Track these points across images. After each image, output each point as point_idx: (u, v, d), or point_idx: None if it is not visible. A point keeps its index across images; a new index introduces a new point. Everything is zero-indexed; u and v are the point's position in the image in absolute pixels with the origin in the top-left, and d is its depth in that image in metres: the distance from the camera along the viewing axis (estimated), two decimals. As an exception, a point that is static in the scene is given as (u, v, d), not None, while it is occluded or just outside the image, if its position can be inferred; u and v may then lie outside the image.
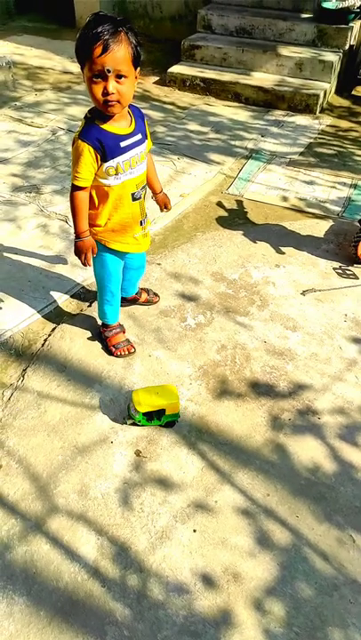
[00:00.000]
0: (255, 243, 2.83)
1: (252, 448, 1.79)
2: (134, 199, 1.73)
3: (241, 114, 4.41)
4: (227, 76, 4.62)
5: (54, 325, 2.23)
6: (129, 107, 1.63)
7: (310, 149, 3.88)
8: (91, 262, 1.79)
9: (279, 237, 2.88)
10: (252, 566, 1.47)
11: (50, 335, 2.19)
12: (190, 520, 1.56)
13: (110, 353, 2.09)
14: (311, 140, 4.01)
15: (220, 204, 3.16)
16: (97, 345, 2.15)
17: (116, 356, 2.08)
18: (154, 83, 4.93)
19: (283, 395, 1.99)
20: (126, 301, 2.29)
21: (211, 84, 4.63)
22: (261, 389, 2.01)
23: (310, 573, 1.46)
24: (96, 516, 1.55)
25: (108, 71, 1.42)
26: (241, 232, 2.90)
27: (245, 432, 1.84)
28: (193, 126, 4.13)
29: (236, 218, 3.05)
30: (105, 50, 1.39)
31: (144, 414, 1.74)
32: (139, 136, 1.64)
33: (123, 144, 1.60)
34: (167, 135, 3.95)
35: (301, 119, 4.36)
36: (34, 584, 1.39)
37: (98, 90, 1.47)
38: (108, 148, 1.57)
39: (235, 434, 1.84)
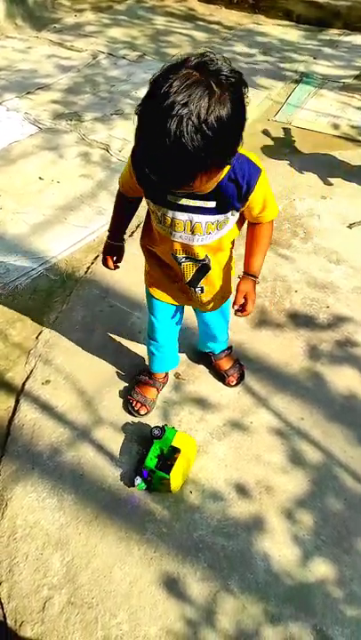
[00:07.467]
0: (301, 173, 2.72)
1: (288, 375, 1.82)
2: (176, 260, 1.28)
3: (292, 33, 4.10)
4: (278, -10, 4.26)
5: (97, 254, 2.28)
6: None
7: (367, 72, 3.60)
8: (112, 267, 1.52)
9: (327, 167, 2.75)
10: (285, 481, 1.54)
11: (92, 263, 2.24)
12: (226, 437, 1.64)
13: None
14: (368, 62, 3.71)
15: (266, 132, 3.03)
16: (138, 273, 2.17)
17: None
18: (199, 0, 4.60)
19: (322, 326, 1.99)
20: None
21: (260, -1, 4.29)
22: (300, 320, 2.01)
23: (340, 490, 1.53)
24: (138, 429, 1.65)
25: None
26: (287, 162, 2.79)
27: (283, 360, 1.87)
28: (240, 48, 3.88)
29: (282, 147, 2.92)
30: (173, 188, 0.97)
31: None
32: (209, 204, 1.09)
33: (172, 198, 1.10)
34: (212, 58, 3.74)
35: (358, 38, 4.01)
36: (81, 484, 1.53)
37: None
38: (149, 187, 1.14)
39: (272, 361, 1.87)
